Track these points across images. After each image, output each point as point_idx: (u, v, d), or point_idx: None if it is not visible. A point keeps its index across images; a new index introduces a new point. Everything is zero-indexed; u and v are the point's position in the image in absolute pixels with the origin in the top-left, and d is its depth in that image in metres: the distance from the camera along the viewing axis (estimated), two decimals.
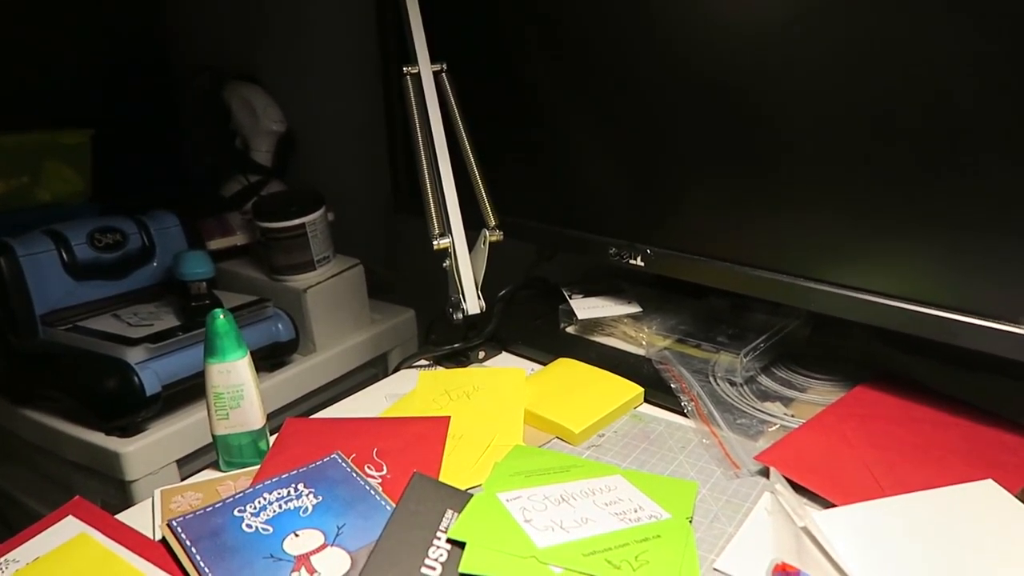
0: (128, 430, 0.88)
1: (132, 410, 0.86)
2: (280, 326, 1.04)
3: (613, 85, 0.73)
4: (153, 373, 0.87)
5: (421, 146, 0.76)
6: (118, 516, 0.57)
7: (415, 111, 0.76)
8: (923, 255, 0.58)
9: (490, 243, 0.77)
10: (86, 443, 0.89)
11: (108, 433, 0.88)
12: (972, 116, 0.54)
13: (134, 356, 0.86)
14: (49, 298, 0.93)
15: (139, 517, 0.58)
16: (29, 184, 1.16)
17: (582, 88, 0.75)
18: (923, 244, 0.58)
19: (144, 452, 0.87)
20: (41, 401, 0.96)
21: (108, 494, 0.90)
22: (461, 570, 0.46)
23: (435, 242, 0.76)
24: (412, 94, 0.76)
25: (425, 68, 0.76)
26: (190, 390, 0.92)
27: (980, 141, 0.54)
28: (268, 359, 1.04)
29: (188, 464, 0.92)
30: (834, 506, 0.53)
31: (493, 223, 0.78)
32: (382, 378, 0.79)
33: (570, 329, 0.85)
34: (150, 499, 0.59)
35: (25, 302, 0.91)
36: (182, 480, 0.63)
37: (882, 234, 0.60)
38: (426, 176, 0.76)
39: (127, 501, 0.87)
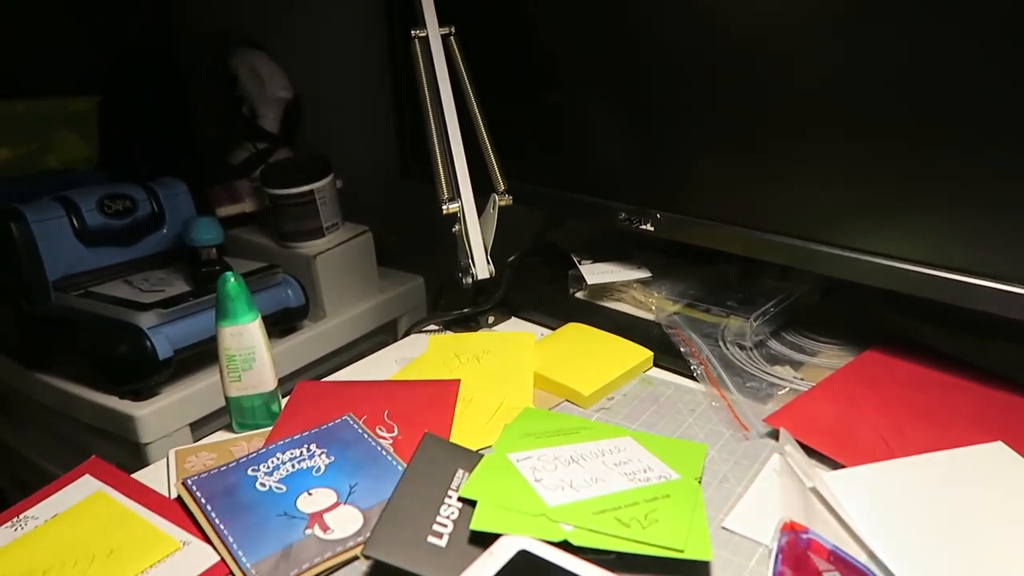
0: (141, 394, 0.89)
1: (145, 374, 0.87)
2: (290, 292, 1.04)
3: (624, 48, 0.72)
4: (165, 338, 0.87)
5: (429, 110, 0.75)
6: (133, 475, 0.58)
7: (423, 75, 0.75)
8: (937, 218, 0.58)
9: (499, 208, 0.77)
10: (100, 406, 0.90)
11: (122, 397, 0.89)
12: (987, 79, 0.53)
13: (146, 321, 0.87)
14: (60, 264, 0.94)
15: (154, 477, 0.58)
16: (38, 151, 1.16)
17: (592, 51, 0.74)
18: (937, 207, 0.58)
19: (157, 415, 0.88)
20: (55, 365, 0.98)
21: (122, 457, 0.91)
22: (472, 527, 0.46)
23: (444, 207, 0.75)
24: (420, 58, 0.76)
25: (433, 31, 0.75)
26: (202, 355, 0.93)
27: (995, 104, 0.53)
28: (278, 325, 1.05)
29: (201, 428, 0.94)
30: (843, 467, 0.54)
31: (502, 187, 0.78)
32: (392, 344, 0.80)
33: (579, 294, 0.85)
34: (164, 459, 0.60)
35: (37, 268, 0.92)
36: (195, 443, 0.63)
37: (895, 197, 0.59)
38: (435, 140, 0.75)
39: (141, 464, 0.88)
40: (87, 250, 0.96)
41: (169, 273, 1.01)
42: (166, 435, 0.89)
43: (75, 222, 0.95)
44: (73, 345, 0.92)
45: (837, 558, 0.44)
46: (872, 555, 0.46)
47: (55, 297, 0.93)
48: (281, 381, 0.65)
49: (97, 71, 1.37)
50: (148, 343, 0.85)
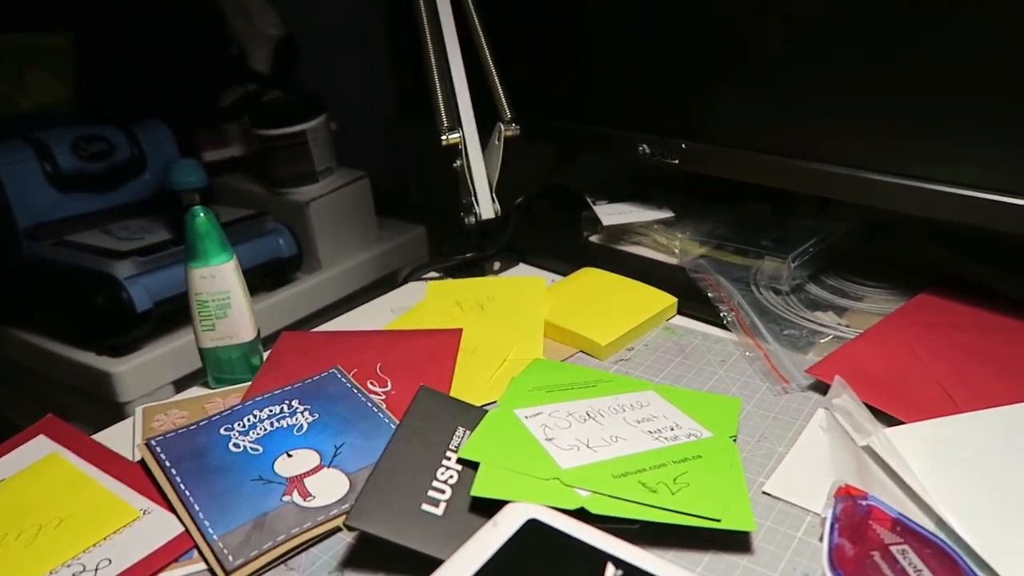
0: (120, 350, 0.83)
1: (122, 328, 0.80)
2: (281, 241, 0.97)
3: None
4: (143, 288, 0.81)
5: (427, 28, 0.67)
6: (96, 435, 0.52)
7: None
8: (995, 137, 0.50)
9: (505, 139, 0.69)
10: (77, 364, 0.84)
11: (99, 353, 0.83)
12: None
13: (122, 270, 0.80)
14: (32, 211, 0.87)
15: (119, 437, 0.52)
16: (10, 92, 1.08)
17: None
18: (994, 125, 0.50)
19: (137, 372, 0.82)
20: (29, 320, 0.91)
21: (103, 419, 0.85)
22: (473, 493, 0.40)
23: (443, 138, 0.67)
24: None
25: None
26: (186, 308, 0.86)
27: None
28: (270, 276, 0.98)
29: (186, 386, 0.87)
30: (901, 423, 0.47)
31: (508, 116, 0.70)
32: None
33: (594, 238, 0.78)
34: (131, 418, 0.54)
35: (6, 215, 0.85)
36: None
37: (949, 115, 0.51)
38: (432, 60, 0.67)
39: None
40: (61, 196, 0.90)
41: (152, 221, 0.95)
42: (147, 393, 0.83)
43: (47, 166, 0.88)
44: (46, 298, 0.86)
45: (904, 528, 0.38)
46: (941, 523, 0.39)
47: (26, 247, 0.86)
48: (273, 337, 0.59)
49: (74, 4, 1.28)
50: (124, 294, 0.79)
